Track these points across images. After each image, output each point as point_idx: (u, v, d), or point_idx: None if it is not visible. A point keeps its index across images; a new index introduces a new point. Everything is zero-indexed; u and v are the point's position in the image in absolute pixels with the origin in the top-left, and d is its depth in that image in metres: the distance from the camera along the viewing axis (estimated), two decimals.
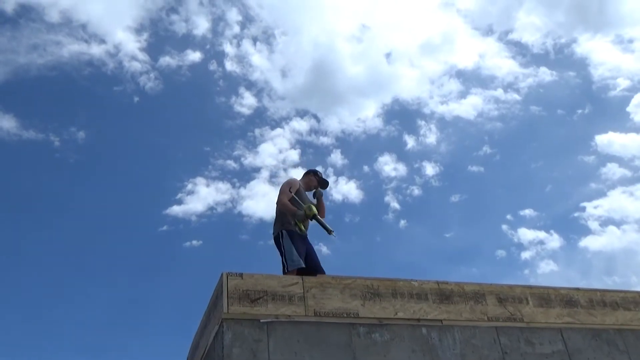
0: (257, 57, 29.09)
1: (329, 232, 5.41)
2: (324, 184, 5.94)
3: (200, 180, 26.49)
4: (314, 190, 5.85)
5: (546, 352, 4.45)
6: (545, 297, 4.79)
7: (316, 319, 4.04)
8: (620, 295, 5.04)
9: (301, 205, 5.40)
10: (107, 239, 26.65)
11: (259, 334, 3.85)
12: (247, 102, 27.97)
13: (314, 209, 5.34)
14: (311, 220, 5.43)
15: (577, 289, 4.94)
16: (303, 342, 3.91)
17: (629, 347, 4.72)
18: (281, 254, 5.22)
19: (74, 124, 26.08)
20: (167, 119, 29.65)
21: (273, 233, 5.43)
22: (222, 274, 4.05)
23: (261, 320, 3.90)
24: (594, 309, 4.87)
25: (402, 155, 27.81)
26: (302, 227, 5.33)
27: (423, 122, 28.34)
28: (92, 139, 26.46)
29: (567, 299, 4.84)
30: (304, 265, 5.10)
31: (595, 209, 25.77)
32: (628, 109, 28.02)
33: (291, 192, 5.49)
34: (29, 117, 25.51)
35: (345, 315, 4.12)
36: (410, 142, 28.29)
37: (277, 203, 5.50)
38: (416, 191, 26.90)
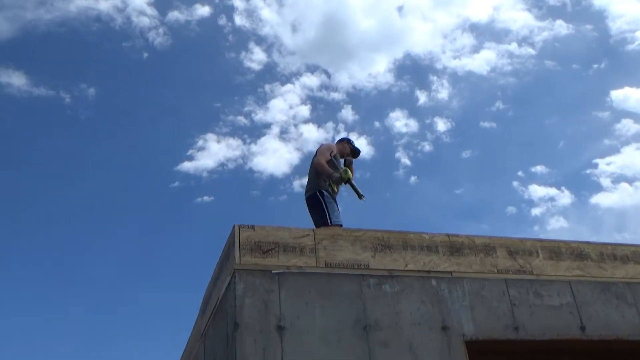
0: (267, 11, 28.70)
1: (360, 196, 5.56)
2: (356, 153, 6.08)
3: (210, 137, 26.56)
4: (346, 157, 5.97)
5: (555, 304, 4.49)
6: (556, 250, 4.79)
7: (327, 270, 4.08)
8: (632, 250, 5.04)
9: (338, 169, 5.51)
10: (119, 194, 26.97)
11: (271, 285, 3.90)
12: (257, 57, 27.74)
13: (350, 173, 5.47)
14: (345, 184, 5.54)
15: (588, 243, 4.94)
16: (314, 293, 3.96)
17: (637, 300, 4.75)
18: (321, 211, 5.32)
19: (84, 80, 26.11)
20: (176, 75, 29.57)
21: (307, 192, 5.52)
22: (234, 226, 4.08)
23: (273, 271, 3.95)
24: (605, 262, 4.88)
25: (413, 111, 27.65)
26: (335, 189, 5.46)
27: (435, 78, 28.06)
28: (102, 95, 26.51)
29: (578, 252, 4.85)
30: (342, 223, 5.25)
31: (607, 165, 25.71)
32: None
33: (331, 156, 5.60)
34: (38, 73, 25.52)
35: (355, 267, 4.16)
36: (422, 97, 28.07)
37: (314, 163, 5.59)
38: (427, 147, 26.85)
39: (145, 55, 27.20)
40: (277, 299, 3.86)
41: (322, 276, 4.05)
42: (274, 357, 3.65)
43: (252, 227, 4.09)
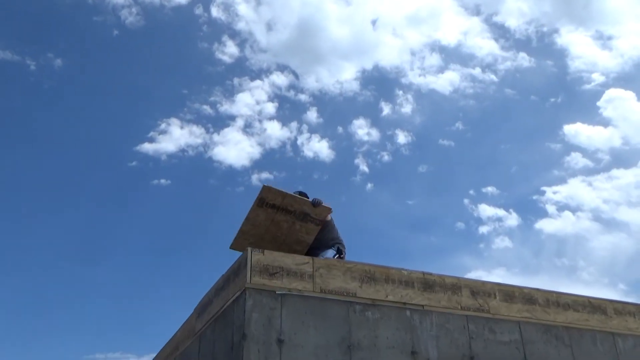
0: (244, 7, 29.27)
1: None
2: None
3: (174, 121, 26.90)
4: None
5: (505, 340, 5.33)
6: (510, 293, 5.64)
7: (321, 295, 4.81)
8: (572, 298, 5.93)
9: None
10: (74, 166, 26.99)
11: (274, 303, 4.61)
12: (229, 50, 28.32)
13: None
14: None
15: (538, 290, 5.81)
16: (309, 314, 4.68)
17: (573, 342, 5.64)
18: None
19: (52, 50, 26.07)
20: (145, 57, 29.77)
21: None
22: (247, 249, 4.76)
23: (277, 292, 4.65)
24: (549, 307, 5.75)
25: (376, 121, 28.67)
26: None
27: (400, 92, 29.15)
28: (68, 67, 26.52)
29: (528, 297, 5.71)
30: None
31: (554, 194, 27.36)
32: (599, 103, 29.48)
33: None
34: (5, 37, 25.31)
35: (345, 294, 4.89)
36: (386, 109, 29.15)
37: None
38: (386, 157, 27.93)
39: (116, 32, 27.35)
40: (279, 316, 4.57)
41: (317, 300, 4.77)
42: None
43: (262, 252, 4.78)
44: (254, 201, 5.37)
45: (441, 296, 5.29)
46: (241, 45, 28.77)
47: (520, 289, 5.72)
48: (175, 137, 26.94)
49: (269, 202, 5.24)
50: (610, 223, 27.77)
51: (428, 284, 5.30)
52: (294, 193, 6.54)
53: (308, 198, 6.53)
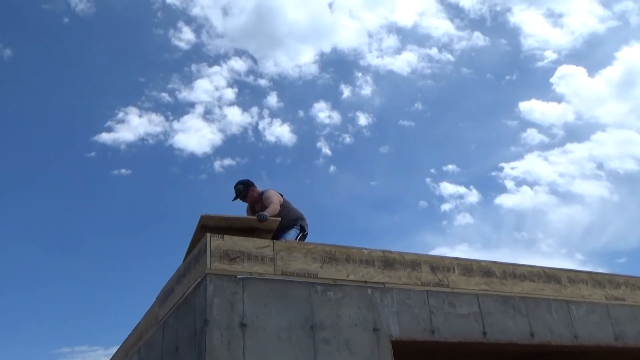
0: None
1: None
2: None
3: (132, 110, 26.46)
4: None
5: (464, 313, 5.47)
6: (468, 267, 5.77)
7: (283, 277, 4.84)
8: (528, 269, 6.11)
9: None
10: (29, 159, 26.26)
11: (236, 288, 4.62)
12: (185, 36, 27.92)
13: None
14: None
15: (495, 262, 5.95)
16: (271, 296, 4.71)
17: (529, 312, 5.82)
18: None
19: (0, 40, 25.10)
20: (99, 45, 29.04)
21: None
22: (206, 235, 4.74)
23: (238, 276, 4.66)
24: (506, 279, 5.91)
25: (337, 103, 28.79)
26: None
27: (360, 74, 29.28)
28: (18, 57, 25.70)
29: (486, 270, 5.85)
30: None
31: (512, 169, 28.11)
32: (552, 80, 30.18)
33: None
34: None
35: (306, 275, 4.93)
36: (346, 91, 29.29)
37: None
38: (348, 139, 28.13)
39: (66, 20, 26.61)
40: (241, 300, 4.58)
41: (278, 282, 4.80)
42: (236, 349, 4.38)
43: (222, 237, 4.78)
44: (196, 228, 5.22)
45: (401, 273, 5.38)
46: (197, 31, 28.40)
47: (478, 262, 5.86)
48: (134, 126, 26.55)
49: (212, 226, 5.11)
50: (566, 196, 28.69)
51: (388, 261, 5.38)
52: (238, 182, 6.48)
53: (253, 186, 6.49)
